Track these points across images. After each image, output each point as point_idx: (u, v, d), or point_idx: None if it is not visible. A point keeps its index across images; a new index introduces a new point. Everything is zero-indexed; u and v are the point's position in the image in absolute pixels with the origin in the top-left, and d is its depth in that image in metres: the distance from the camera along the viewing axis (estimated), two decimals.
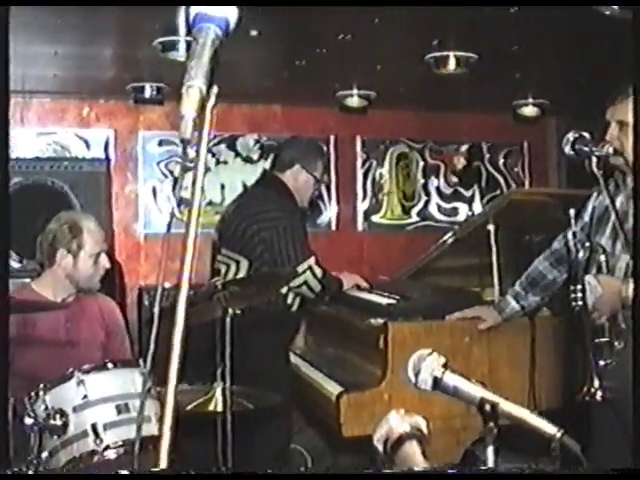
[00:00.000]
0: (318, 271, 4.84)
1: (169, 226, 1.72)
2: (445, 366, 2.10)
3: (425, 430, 2.01)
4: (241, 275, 4.86)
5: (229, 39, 1.69)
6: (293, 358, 5.26)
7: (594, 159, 3.47)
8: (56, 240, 4.30)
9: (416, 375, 2.12)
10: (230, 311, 3.85)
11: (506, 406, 2.02)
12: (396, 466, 1.92)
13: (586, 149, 3.51)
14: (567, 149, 3.55)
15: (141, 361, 3.81)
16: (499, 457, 2.01)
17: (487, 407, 2.01)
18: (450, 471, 1.94)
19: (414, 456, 1.92)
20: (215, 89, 1.63)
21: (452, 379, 2.10)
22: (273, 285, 4.50)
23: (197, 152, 1.60)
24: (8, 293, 2.68)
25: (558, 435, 1.94)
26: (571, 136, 3.54)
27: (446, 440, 4.03)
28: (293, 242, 4.80)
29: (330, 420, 4.32)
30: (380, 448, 2.02)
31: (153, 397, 3.61)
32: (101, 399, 3.61)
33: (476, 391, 2.06)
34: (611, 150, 3.52)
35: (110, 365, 3.74)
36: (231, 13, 1.70)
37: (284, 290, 4.83)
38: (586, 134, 3.56)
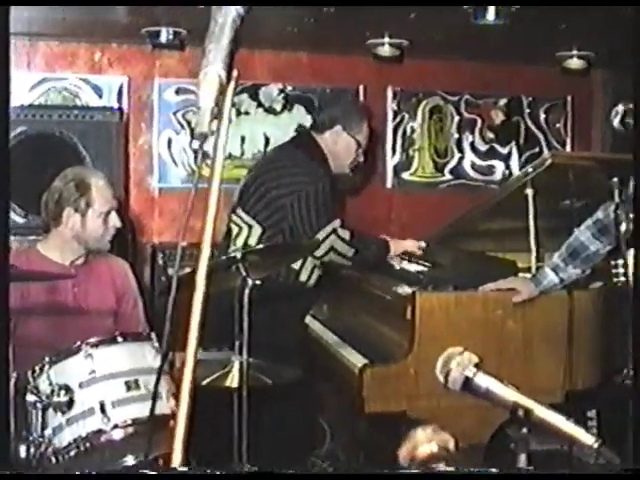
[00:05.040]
0: (344, 233, 4.76)
1: (196, 184, 1.71)
2: (477, 366, 2.09)
3: (453, 449, 1.99)
4: (252, 241, 4.84)
5: None
6: (315, 325, 5.26)
7: None
8: (62, 199, 4.26)
9: (445, 375, 2.11)
10: (250, 282, 3.86)
11: (541, 412, 2.01)
12: None
13: None
14: (616, 122, 3.51)
15: (153, 335, 3.82)
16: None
17: (520, 412, 2.00)
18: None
19: None
20: (235, 73, 1.60)
21: (484, 380, 2.09)
22: (294, 256, 4.48)
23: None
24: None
25: (595, 446, 1.93)
26: (620, 109, 3.50)
27: (475, 419, 4.02)
28: (317, 209, 4.73)
29: (352, 393, 4.30)
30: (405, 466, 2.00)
31: (165, 373, 3.62)
32: (109, 374, 3.60)
33: (509, 395, 2.05)
34: None
35: (120, 338, 3.72)
36: None
37: (297, 266, 4.79)
38: None
